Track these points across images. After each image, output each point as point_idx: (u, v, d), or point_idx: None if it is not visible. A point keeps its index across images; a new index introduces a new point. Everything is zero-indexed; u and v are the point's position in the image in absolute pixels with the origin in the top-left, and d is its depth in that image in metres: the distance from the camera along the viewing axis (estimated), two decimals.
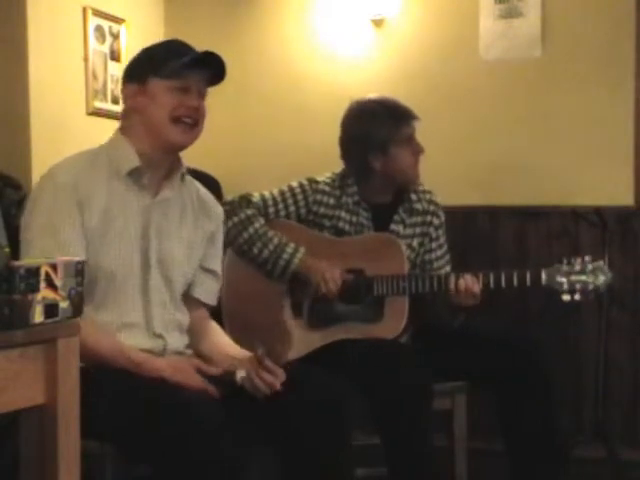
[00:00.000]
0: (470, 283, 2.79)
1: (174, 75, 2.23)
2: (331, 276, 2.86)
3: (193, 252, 2.38)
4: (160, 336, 2.28)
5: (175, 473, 1.96)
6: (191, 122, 2.27)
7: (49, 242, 2.14)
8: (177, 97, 2.24)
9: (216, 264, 2.48)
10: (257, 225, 2.92)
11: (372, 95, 3.03)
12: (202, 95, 2.30)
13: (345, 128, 3.02)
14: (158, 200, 2.31)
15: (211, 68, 2.28)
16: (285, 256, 2.89)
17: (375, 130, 2.92)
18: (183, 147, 2.31)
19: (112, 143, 2.32)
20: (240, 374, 2.21)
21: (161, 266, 2.29)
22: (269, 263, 2.91)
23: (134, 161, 2.26)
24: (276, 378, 2.18)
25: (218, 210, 2.50)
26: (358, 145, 2.96)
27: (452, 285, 2.80)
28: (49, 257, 1.98)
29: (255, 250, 2.91)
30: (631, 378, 3.61)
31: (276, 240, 2.90)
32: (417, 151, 2.97)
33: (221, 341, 2.45)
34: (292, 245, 2.90)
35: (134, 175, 2.27)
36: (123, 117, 2.34)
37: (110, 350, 2.17)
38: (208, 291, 2.47)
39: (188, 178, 2.41)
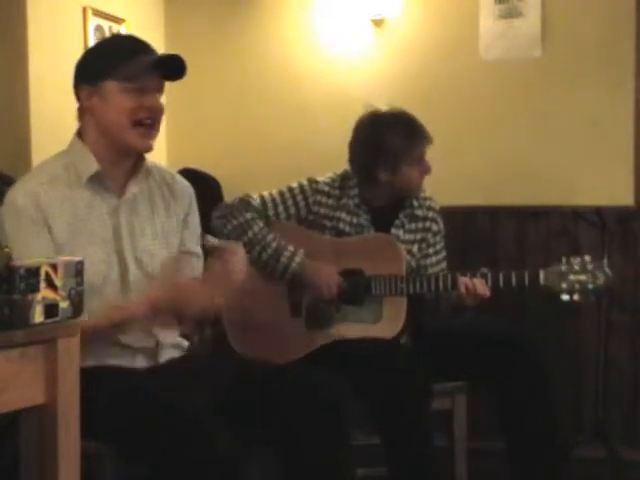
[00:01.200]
0: (480, 287, 2.78)
1: (131, 78, 2.18)
2: (328, 280, 2.86)
3: (169, 242, 2.35)
4: (150, 332, 2.28)
5: (175, 474, 1.96)
6: (151, 122, 2.22)
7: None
8: (134, 99, 2.19)
9: (194, 245, 2.44)
10: (256, 228, 2.92)
11: (390, 107, 3.00)
12: (159, 92, 2.25)
13: (357, 134, 3.00)
14: (125, 199, 2.27)
15: (169, 66, 2.23)
16: (283, 259, 2.89)
17: (388, 144, 2.91)
18: (142, 152, 2.27)
19: (70, 149, 2.28)
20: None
21: (139, 264, 2.27)
22: (268, 266, 2.91)
23: (93, 166, 2.22)
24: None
25: (184, 189, 2.43)
26: (368, 154, 2.95)
27: (462, 288, 2.79)
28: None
29: (254, 253, 2.91)
30: (631, 378, 3.61)
31: (274, 244, 2.90)
32: (425, 171, 2.97)
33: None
34: (290, 248, 2.90)
35: (96, 179, 2.23)
36: (79, 118, 2.29)
37: (86, 327, 2.06)
38: (193, 273, 2.42)
39: (154, 167, 2.36)
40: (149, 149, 2.26)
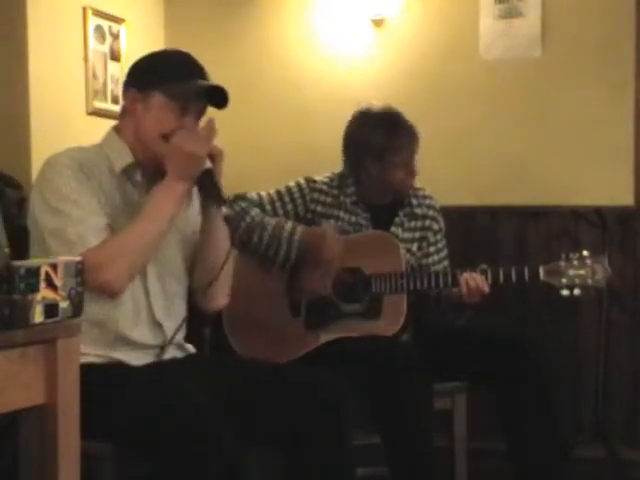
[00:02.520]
0: (480, 283, 2.78)
1: (178, 97, 2.21)
2: (332, 239, 2.86)
3: (185, 244, 2.37)
4: (160, 325, 2.29)
5: (175, 473, 1.96)
6: None
7: (76, 212, 2.13)
8: (174, 117, 2.22)
9: None
10: (253, 213, 2.93)
11: (377, 106, 3.00)
12: (200, 117, 2.28)
13: (345, 135, 3.02)
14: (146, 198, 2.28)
15: (215, 97, 2.26)
16: (285, 234, 2.88)
17: (372, 144, 2.92)
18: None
19: (105, 141, 2.31)
20: (207, 164, 2.20)
21: (156, 263, 2.28)
22: (272, 247, 2.90)
23: (127, 158, 2.25)
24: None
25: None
26: (355, 153, 2.97)
27: (464, 286, 2.79)
28: (78, 225, 2.08)
29: (255, 238, 2.91)
30: (631, 378, 3.61)
31: (273, 221, 2.90)
32: (411, 175, 2.97)
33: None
34: (290, 223, 2.90)
35: (128, 172, 2.26)
36: (120, 116, 2.33)
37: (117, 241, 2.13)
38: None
39: None
40: None
